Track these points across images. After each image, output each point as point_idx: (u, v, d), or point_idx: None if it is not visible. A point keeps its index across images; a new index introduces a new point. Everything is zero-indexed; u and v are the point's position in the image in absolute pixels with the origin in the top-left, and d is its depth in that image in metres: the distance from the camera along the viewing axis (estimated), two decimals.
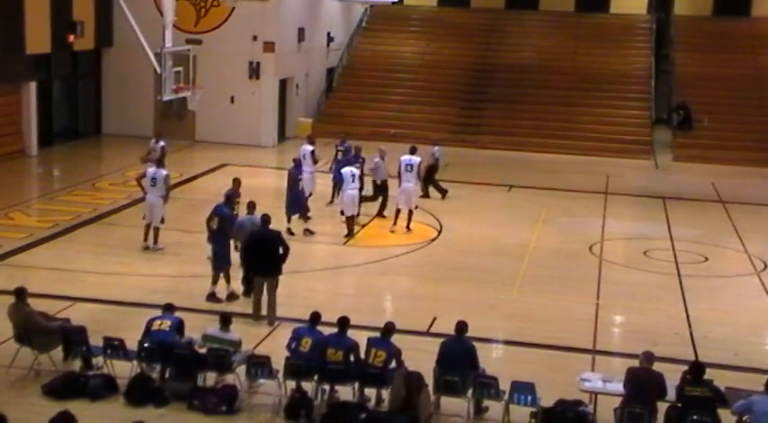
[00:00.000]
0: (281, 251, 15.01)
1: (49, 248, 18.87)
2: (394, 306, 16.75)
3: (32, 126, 28.30)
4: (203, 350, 12.25)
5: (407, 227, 20.75)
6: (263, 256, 14.96)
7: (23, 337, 12.52)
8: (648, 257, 20.04)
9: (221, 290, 15.71)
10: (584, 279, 18.16)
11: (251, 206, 16.22)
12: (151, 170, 19.00)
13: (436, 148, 24.29)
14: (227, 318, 12.47)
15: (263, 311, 14.94)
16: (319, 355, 11.92)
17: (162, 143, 23.59)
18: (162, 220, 18.67)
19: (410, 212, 20.81)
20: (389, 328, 12.14)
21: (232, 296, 15.79)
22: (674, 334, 15.31)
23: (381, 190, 21.68)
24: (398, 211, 20.82)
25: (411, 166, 20.87)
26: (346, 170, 20.57)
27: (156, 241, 18.66)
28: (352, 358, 11.90)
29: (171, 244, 18.70)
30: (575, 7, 40.90)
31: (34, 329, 12.48)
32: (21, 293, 12.66)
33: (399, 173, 20.96)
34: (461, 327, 12.09)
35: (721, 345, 14.87)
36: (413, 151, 21.26)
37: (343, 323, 12.16)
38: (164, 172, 18.81)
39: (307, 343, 11.99)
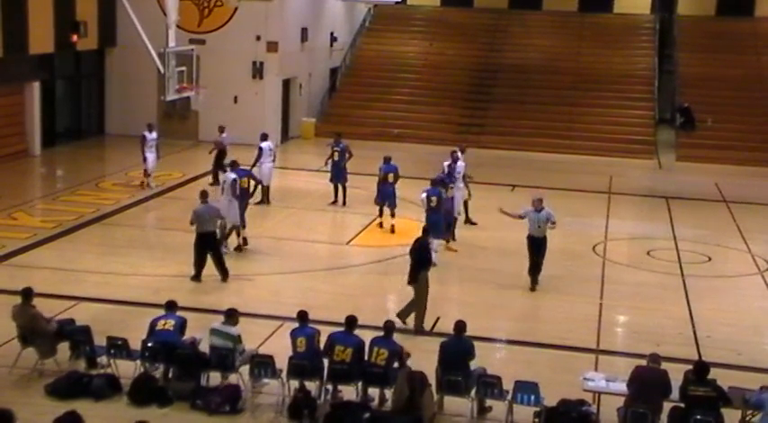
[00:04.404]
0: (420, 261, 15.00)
1: (52, 248, 18.89)
2: (397, 306, 16.69)
3: (35, 126, 28.34)
4: (209, 342, 12.26)
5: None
6: (411, 263, 15.03)
7: (27, 338, 12.54)
8: (652, 257, 20.02)
9: None
10: (587, 279, 18.15)
11: (204, 195, 17.04)
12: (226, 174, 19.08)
13: (224, 134, 25.00)
14: (231, 313, 12.45)
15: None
16: (317, 354, 11.95)
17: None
18: (229, 228, 18.47)
19: (454, 219, 20.25)
20: (389, 327, 12.15)
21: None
22: (677, 334, 15.30)
23: (536, 247, 17.38)
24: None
25: (457, 172, 20.42)
26: (265, 144, 22.77)
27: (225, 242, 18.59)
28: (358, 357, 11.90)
29: (174, 244, 18.71)
30: (578, 7, 40.91)
31: (37, 333, 12.49)
32: (27, 295, 12.66)
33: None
34: (460, 326, 12.09)
35: (725, 344, 14.86)
36: (455, 159, 20.66)
37: (351, 322, 12.16)
38: (231, 176, 18.68)
39: (302, 343, 11.98)
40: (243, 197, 18.91)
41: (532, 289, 17.21)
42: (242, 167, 19.53)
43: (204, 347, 12.36)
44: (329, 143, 23.66)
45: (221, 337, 12.17)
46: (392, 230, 20.93)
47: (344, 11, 38.31)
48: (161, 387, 11.98)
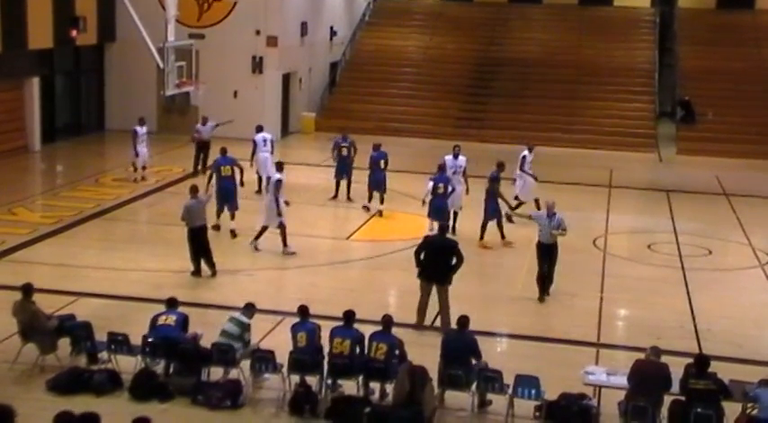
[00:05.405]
0: (454, 261, 14.50)
1: (52, 244, 18.90)
2: (397, 301, 16.76)
3: (35, 122, 28.32)
4: (221, 327, 12.39)
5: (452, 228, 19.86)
6: (437, 263, 14.60)
7: (28, 334, 12.55)
8: (652, 251, 20.02)
9: None
10: (588, 273, 18.14)
11: (193, 190, 17.06)
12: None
13: (208, 124, 25.52)
14: (249, 307, 12.58)
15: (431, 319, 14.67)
16: (318, 349, 11.98)
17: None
18: (280, 225, 18.30)
19: (455, 214, 20.14)
20: (388, 321, 12.16)
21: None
22: (678, 327, 15.30)
23: (546, 254, 16.45)
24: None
25: (458, 167, 20.40)
26: (259, 136, 23.14)
27: (285, 244, 18.39)
28: (357, 350, 11.90)
29: (175, 239, 18.66)
30: (578, 0, 40.85)
31: (38, 329, 12.49)
32: (27, 291, 12.66)
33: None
34: (463, 321, 12.11)
35: (725, 337, 14.87)
36: (456, 155, 20.56)
37: (349, 316, 12.18)
38: (277, 176, 18.63)
39: (302, 338, 12.00)
40: (228, 184, 19.59)
41: (541, 299, 16.28)
42: (227, 156, 20.07)
43: (207, 342, 12.38)
44: (331, 138, 23.67)
45: (233, 322, 12.36)
46: (380, 214, 21.54)
47: (344, 5, 38.28)
48: (162, 382, 11.99)
